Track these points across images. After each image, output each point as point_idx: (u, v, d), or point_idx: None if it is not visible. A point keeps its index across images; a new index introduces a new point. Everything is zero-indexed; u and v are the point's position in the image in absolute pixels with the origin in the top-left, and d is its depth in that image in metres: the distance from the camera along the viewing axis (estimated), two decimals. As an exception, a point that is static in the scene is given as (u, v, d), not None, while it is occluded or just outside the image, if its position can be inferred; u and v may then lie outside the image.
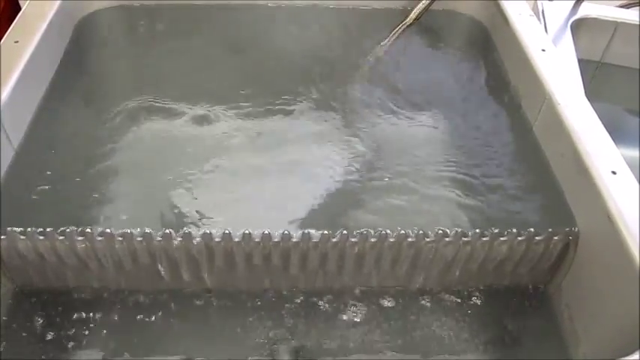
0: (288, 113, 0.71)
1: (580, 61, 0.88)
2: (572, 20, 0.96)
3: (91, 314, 0.58)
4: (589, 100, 0.66)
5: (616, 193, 0.54)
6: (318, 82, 0.76)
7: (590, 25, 0.99)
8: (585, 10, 0.98)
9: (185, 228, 0.55)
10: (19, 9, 0.75)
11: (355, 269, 0.59)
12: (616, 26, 0.99)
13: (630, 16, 1.00)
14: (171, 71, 0.77)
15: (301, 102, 0.73)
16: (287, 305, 0.60)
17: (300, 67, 0.79)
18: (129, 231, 0.55)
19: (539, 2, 0.99)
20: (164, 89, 0.73)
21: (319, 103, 0.73)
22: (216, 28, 0.86)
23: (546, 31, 0.91)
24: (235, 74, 0.77)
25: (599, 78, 1.03)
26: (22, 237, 0.54)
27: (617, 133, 0.67)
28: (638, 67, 1.01)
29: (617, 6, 1.04)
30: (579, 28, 0.97)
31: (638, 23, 0.98)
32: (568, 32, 0.93)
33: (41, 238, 0.55)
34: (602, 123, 0.63)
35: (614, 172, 0.56)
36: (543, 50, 0.72)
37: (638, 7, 1.04)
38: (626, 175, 0.56)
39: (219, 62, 0.79)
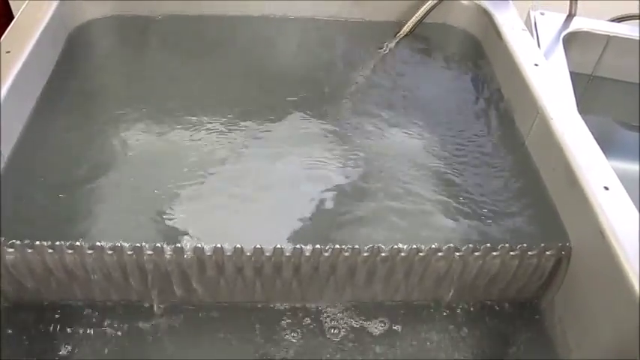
0: (280, 126, 0.71)
1: (572, 74, 0.88)
2: (564, 34, 0.96)
3: (81, 327, 0.58)
4: (581, 113, 0.66)
5: (608, 209, 0.54)
6: (310, 96, 0.76)
7: (582, 39, 0.99)
8: (577, 24, 0.99)
9: (176, 242, 0.55)
10: (12, 18, 0.75)
11: (347, 284, 0.59)
12: (608, 40, 0.99)
13: (622, 29, 1.00)
14: (163, 82, 0.77)
15: (293, 114, 0.72)
16: (279, 319, 0.60)
17: (295, 80, 0.79)
18: (119, 244, 0.54)
19: (531, 15, 1.00)
20: (156, 100, 0.73)
21: (312, 115, 0.73)
22: (210, 39, 0.86)
23: (539, 44, 0.92)
24: (228, 86, 0.77)
25: (590, 91, 1.03)
26: (10, 250, 0.54)
27: (609, 146, 0.67)
28: (629, 81, 1.01)
29: (608, 20, 1.05)
30: (571, 41, 0.97)
31: (629, 37, 0.99)
32: (560, 45, 0.94)
33: (30, 251, 0.54)
34: (594, 136, 0.63)
35: (606, 188, 0.56)
36: (536, 65, 0.73)
37: (629, 21, 1.05)
38: (618, 190, 0.56)
39: (213, 74, 0.79)
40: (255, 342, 0.58)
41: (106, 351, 0.56)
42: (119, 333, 0.58)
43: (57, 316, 0.59)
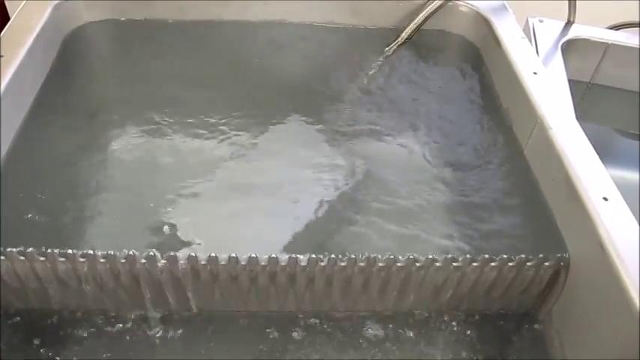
0: (276, 132, 0.70)
1: (570, 81, 0.88)
2: (562, 41, 0.96)
3: (73, 336, 0.57)
4: (579, 120, 0.66)
5: (607, 220, 0.54)
6: (309, 102, 0.75)
7: (581, 46, 0.99)
8: (576, 31, 0.99)
9: (170, 250, 0.54)
10: (8, 21, 0.74)
11: (343, 293, 0.58)
12: (606, 47, 0.99)
13: (620, 37, 1.00)
14: (159, 87, 0.76)
15: (289, 122, 0.72)
16: (274, 329, 0.59)
17: (292, 87, 0.79)
18: (112, 253, 0.53)
19: (530, 23, 0.99)
20: (152, 105, 0.72)
21: (308, 123, 0.72)
22: (207, 44, 0.85)
23: (537, 51, 0.91)
24: (224, 92, 0.76)
25: (588, 99, 1.03)
26: (1, 258, 0.53)
27: (607, 154, 0.67)
28: (627, 88, 1.01)
29: (606, 27, 1.05)
30: (570, 48, 0.97)
31: (627, 44, 0.99)
32: (559, 53, 0.94)
33: (21, 259, 0.53)
34: (592, 144, 0.62)
35: (605, 199, 0.56)
36: (535, 73, 0.72)
37: (627, 29, 1.05)
38: (618, 201, 0.56)
39: (208, 78, 0.78)
40: (249, 350, 0.57)
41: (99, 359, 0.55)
42: (112, 342, 0.57)
43: (49, 324, 0.58)
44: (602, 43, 0.99)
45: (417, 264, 0.56)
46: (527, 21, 1.00)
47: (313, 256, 0.55)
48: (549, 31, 0.98)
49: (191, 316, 0.59)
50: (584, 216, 0.55)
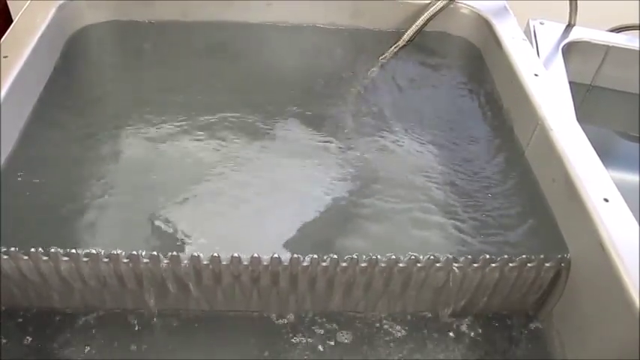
0: (278, 134, 0.70)
1: (571, 83, 0.88)
2: (563, 43, 0.97)
3: (76, 335, 0.57)
4: (580, 123, 0.66)
5: (608, 221, 0.54)
6: (310, 104, 0.76)
7: (582, 49, 0.99)
8: (577, 34, 0.99)
9: (173, 250, 0.54)
10: (11, 22, 0.75)
11: (345, 294, 0.58)
12: (607, 50, 0.99)
13: (621, 40, 1.00)
14: (162, 89, 0.76)
15: (291, 123, 0.72)
16: (276, 328, 0.59)
17: (293, 88, 0.79)
18: (115, 252, 0.54)
19: (531, 25, 1.00)
20: (154, 107, 0.72)
21: (310, 124, 0.72)
22: (209, 45, 0.85)
23: (538, 54, 0.92)
24: (226, 93, 0.76)
25: (589, 101, 1.03)
26: (5, 257, 0.53)
27: (608, 157, 0.67)
28: (628, 91, 1.01)
29: (607, 30, 1.05)
30: (570, 51, 0.97)
31: (628, 47, 0.99)
32: (559, 55, 0.94)
33: (25, 258, 0.53)
34: (593, 146, 0.63)
35: (606, 200, 0.56)
36: (536, 75, 0.73)
37: (628, 32, 1.05)
38: (618, 202, 0.56)
39: (211, 81, 0.78)
40: (251, 350, 0.57)
41: (101, 358, 0.56)
42: (114, 341, 0.57)
43: (52, 322, 0.58)
44: (603, 45, 0.99)
45: (419, 264, 0.56)
46: (528, 23, 1.00)
47: (315, 256, 0.55)
48: (550, 33, 0.98)
49: (193, 315, 0.59)
50: (585, 217, 0.55)
